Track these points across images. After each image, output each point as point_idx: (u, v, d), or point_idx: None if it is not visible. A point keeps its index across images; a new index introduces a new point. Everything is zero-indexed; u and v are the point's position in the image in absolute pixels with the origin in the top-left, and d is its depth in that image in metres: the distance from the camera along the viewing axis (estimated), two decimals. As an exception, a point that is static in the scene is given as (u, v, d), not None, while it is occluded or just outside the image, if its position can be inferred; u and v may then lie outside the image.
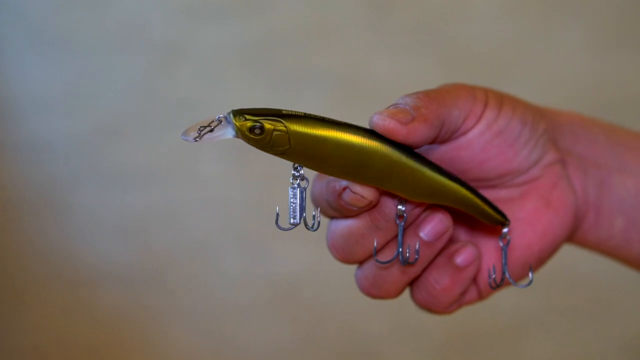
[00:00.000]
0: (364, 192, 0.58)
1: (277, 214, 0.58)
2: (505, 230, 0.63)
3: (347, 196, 0.58)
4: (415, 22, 1.61)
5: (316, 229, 0.58)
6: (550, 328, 1.59)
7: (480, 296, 0.66)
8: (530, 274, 0.64)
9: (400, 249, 0.60)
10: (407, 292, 0.66)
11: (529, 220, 0.65)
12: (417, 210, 0.60)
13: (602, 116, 0.74)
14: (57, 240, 1.67)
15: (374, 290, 0.63)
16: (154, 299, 1.65)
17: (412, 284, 0.65)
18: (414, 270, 0.62)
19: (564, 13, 1.59)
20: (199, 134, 0.55)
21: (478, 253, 0.64)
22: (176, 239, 1.65)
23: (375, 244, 0.61)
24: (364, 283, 0.63)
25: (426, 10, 1.61)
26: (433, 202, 0.59)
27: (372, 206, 0.59)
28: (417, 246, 0.60)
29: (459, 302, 0.65)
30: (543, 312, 1.59)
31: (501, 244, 0.63)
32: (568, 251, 0.70)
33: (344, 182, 0.58)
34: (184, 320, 1.65)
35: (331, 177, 0.58)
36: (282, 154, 0.55)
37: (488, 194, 0.65)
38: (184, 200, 1.65)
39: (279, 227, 0.57)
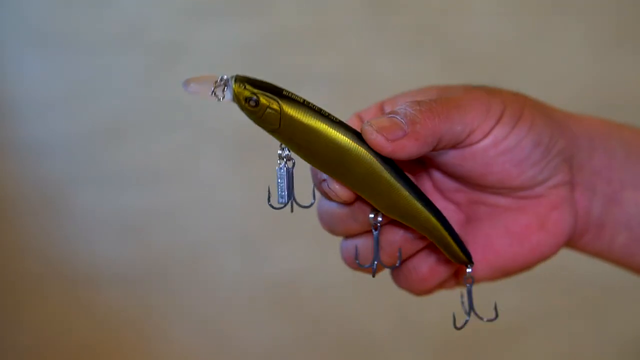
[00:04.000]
0: (340, 192, 0.57)
1: (269, 192, 0.58)
2: (468, 270, 0.60)
3: (325, 187, 0.58)
4: (415, 22, 1.61)
5: (309, 206, 0.58)
6: (550, 328, 1.59)
7: (459, 284, 0.65)
8: (495, 312, 0.62)
9: (376, 262, 0.59)
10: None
11: (519, 235, 0.63)
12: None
13: (602, 117, 0.73)
14: (57, 240, 1.67)
15: (354, 266, 0.63)
16: (154, 299, 1.65)
17: None
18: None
19: (564, 13, 1.59)
20: (201, 88, 0.55)
21: None
22: (176, 239, 1.65)
23: (356, 250, 0.61)
24: (346, 255, 0.63)
25: (426, 10, 1.61)
26: (402, 222, 0.58)
27: (347, 204, 0.59)
28: (398, 251, 0.60)
29: (437, 288, 0.64)
30: (543, 312, 1.59)
31: (466, 285, 0.61)
32: (568, 251, 0.70)
33: (325, 175, 0.58)
34: (183, 320, 1.65)
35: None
36: (271, 132, 0.56)
37: (486, 198, 0.64)
38: (184, 200, 1.65)
39: (271, 206, 0.58)
